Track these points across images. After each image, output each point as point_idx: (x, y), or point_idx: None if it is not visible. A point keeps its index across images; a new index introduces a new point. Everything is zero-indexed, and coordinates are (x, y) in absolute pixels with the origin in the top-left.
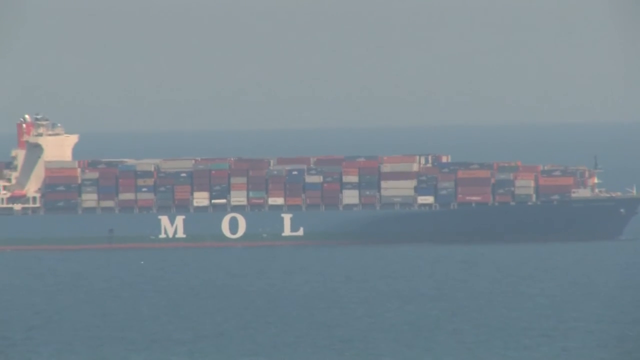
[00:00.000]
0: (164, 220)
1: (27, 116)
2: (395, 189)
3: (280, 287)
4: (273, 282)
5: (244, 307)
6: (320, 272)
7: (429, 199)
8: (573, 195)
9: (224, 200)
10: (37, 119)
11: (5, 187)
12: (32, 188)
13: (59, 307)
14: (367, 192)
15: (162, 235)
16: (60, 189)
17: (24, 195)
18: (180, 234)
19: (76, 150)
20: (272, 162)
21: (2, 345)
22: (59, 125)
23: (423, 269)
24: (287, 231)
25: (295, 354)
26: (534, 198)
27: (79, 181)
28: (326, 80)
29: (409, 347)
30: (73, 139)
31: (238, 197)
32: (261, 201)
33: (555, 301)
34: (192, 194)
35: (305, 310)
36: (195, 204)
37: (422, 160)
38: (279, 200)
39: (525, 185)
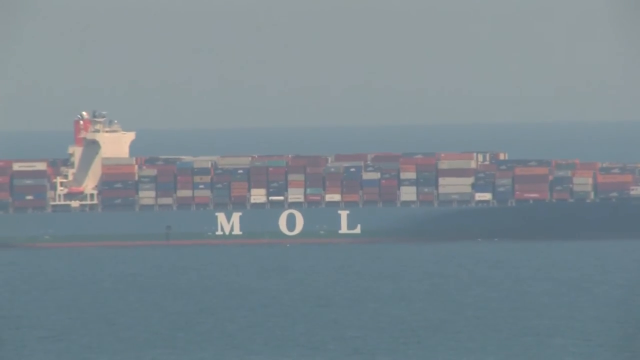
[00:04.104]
0: (221, 217)
1: (84, 113)
2: (452, 186)
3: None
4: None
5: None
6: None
7: (487, 196)
8: (632, 192)
9: (281, 197)
10: (94, 116)
11: (62, 184)
12: (89, 185)
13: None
14: (425, 189)
15: (219, 232)
16: (117, 186)
17: (82, 192)
18: (237, 230)
19: (133, 147)
20: (329, 159)
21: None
22: (115, 122)
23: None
24: (344, 228)
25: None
26: (592, 195)
27: (136, 178)
28: (382, 77)
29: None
30: (130, 136)
31: (295, 194)
32: (318, 198)
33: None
34: (249, 191)
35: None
36: (252, 200)
37: (480, 158)
38: (336, 197)
39: (583, 182)
